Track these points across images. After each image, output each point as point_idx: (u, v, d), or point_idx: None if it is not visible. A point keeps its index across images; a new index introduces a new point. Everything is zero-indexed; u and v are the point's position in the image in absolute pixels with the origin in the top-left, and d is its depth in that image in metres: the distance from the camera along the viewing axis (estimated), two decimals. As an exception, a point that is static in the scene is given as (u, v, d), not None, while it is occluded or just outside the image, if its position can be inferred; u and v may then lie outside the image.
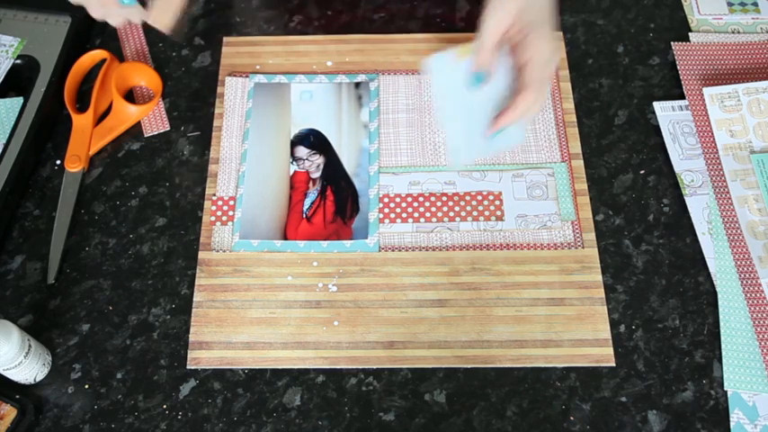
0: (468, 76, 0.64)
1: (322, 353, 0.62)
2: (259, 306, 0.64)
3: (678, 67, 0.75)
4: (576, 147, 0.72)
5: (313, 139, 0.72)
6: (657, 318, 0.64)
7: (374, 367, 0.62)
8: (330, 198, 0.69)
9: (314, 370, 0.62)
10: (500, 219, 0.68)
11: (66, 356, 0.63)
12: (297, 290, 0.65)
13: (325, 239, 0.67)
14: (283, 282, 0.65)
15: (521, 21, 0.62)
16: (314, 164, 0.71)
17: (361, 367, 0.62)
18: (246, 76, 0.76)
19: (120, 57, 0.78)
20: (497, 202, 0.69)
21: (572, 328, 0.63)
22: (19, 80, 0.74)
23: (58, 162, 0.72)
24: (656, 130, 0.73)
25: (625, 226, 0.68)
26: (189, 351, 0.62)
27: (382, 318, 0.64)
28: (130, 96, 0.76)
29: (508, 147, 0.69)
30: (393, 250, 0.67)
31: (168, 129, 0.74)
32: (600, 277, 0.65)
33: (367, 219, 0.68)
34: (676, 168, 0.70)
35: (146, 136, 0.74)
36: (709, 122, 0.71)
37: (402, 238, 0.67)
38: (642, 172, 0.71)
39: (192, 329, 0.63)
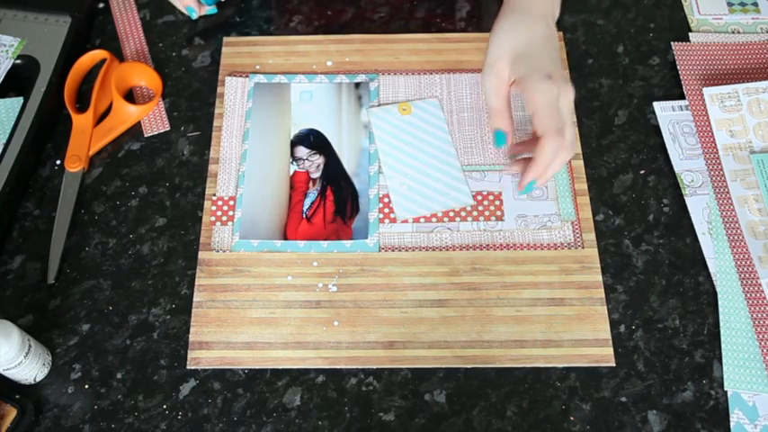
0: (410, 130, 0.72)
1: (322, 353, 0.62)
2: (259, 306, 0.64)
3: (678, 67, 0.75)
4: (576, 147, 0.72)
5: (313, 139, 0.72)
6: (657, 318, 0.64)
7: (374, 367, 0.62)
8: (330, 198, 0.69)
9: (314, 370, 0.62)
10: (500, 219, 0.68)
11: (67, 356, 0.63)
12: (297, 290, 0.65)
13: (325, 239, 0.67)
14: (283, 282, 0.65)
15: (516, 75, 0.63)
16: (314, 164, 0.71)
17: (361, 367, 0.62)
18: (246, 76, 0.76)
19: (120, 57, 0.78)
20: (497, 202, 0.69)
21: (572, 328, 0.63)
22: (19, 80, 0.74)
23: (58, 162, 0.72)
24: (656, 130, 0.73)
25: (625, 226, 0.68)
26: (189, 351, 0.62)
27: (382, 318, 0.64)
28: (130, 96, 0.76)
29: (454, 206, 0.68)
30: (393, 250, 0.67)
31: (168, 129, 0.74)
32: (600, 277, 0.65)
33: (367, 219, 0.68)
34: (676, 168, 0.70)
35: (146, 136, 0.74)
36: (709, 122, 0.71)
37: (402, 238, 0.67)
38: (642, 172, 0.71)
39: (192, 329, 0.63)
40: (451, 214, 0.68)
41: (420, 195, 0.69)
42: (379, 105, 0.74)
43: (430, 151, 0.71)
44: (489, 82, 0.64)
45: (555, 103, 0.61)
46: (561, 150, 0.61)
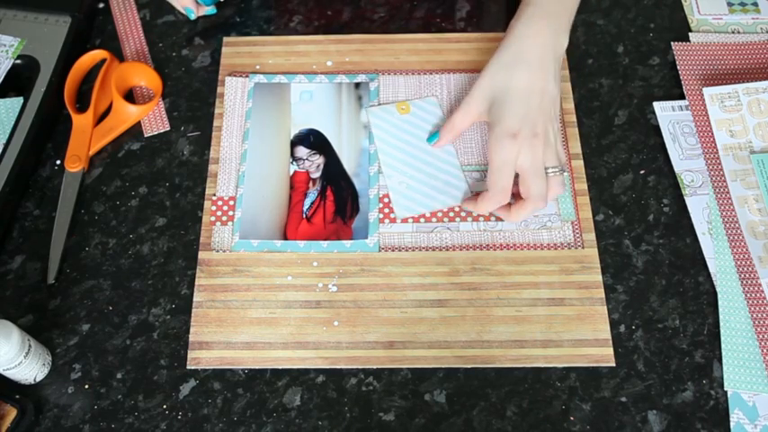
0: (409, 129, 0.72)
1: (322, 353, 0.62)
2: (259, 306, 0.64)
3: (678, 67, 0.75)
4: (576, 147, 0.72)
5: (313, 140, 0.72)
6: (657, 318, 0.64)
7: (374, 367, 0.62)
8: (330, 198, 0.69)
9: (314, 370, 0.62)
10: (500, 219, 0.68)
11: (67, 356, 0.63)
12: (297, 290, 0.65)
13: (325, 239, 0.67)
14: (283, 282, 0.65)
15: (488, 120, 0.67)
16: (314, 164, 0.71)
17: (361, 367, 0.62)
18: (246, 76, 0.76)
19: (120, 57, 0.78)
20: (497, 202, 0.69)
21: (572, 328, 0.63)
22: (19, 80, 0.74)
23: (58, 162, 0.72)
24: (656, 130, 0.73)
25: (625, 226, 0.68)
26: (189, 351, 0.62)
27: (382, 318, 0.64)
28: (130, 96, 0.76)
29: (453, 204, 0.69)
30: (393, 250, 0.67)
31: (168, 129, 0.74)
32: (600, 277, 0.65)
33: (367, 219, 0.68)
34: (676, 168, 0.70)
35: (146, 136, 0.74)
36: (709, 122, 0.71)
37: (402, 238, 0.67)
38: (642, 172, 0.71)
39: (192, 329, 0.63)
40: (451, 214, 0.68)
41: (419, 194, 0.69)
42: (378, 105, 0.74)
43: (429, 150, 0.71)
44: (467, 104, 0.68)
45: (510, 162, 0.63)
46: (492, 205, 0.65)
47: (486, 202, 0.65)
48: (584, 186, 0.70)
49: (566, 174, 0.67)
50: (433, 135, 0.71)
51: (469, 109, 0.68)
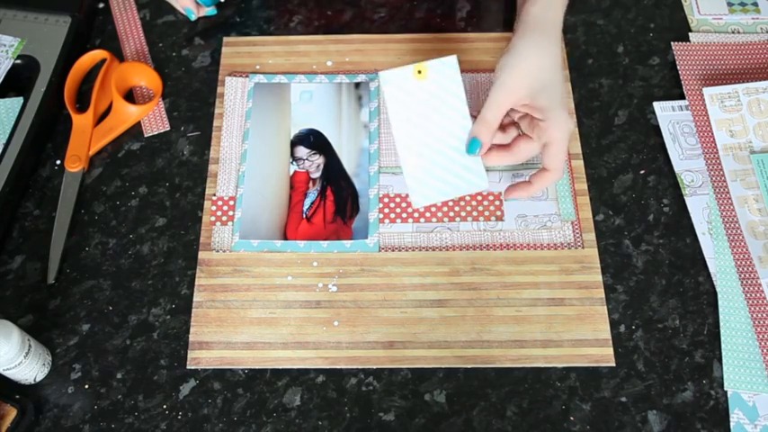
0: (426, 99, 0.65)
1: (322, 353, 0.62)
2: (259, 306, 0.64)
3: (678, 67, 0.75)
4: (576, 147, 0.72)
5: (313, 140, 0.72)
6: (657, 318, 0.64)
7: (374, 367, 0.62)
8: (330, 198, 0.69)
9: (314, 370, 0.62)
10: (500, 219, 0.68)
11: (67, 356, 0.63)
12: (297, 290, 0.65)
13: (325, 239, 0.67)
14: (283, 282, 0.65)
15: (533, 103, 0.62)
16: (314, 164, 0.71)
17: (361, 367, 0.62)
18: (246, 76, 0.76)
19: (120, 57, 0.78)
20: (497, 203, 0.69)
21: (572, 328, 0.63)
22: (19, 80, 0.74)
23: (58, 162, 0.72)
24: (656, 130, 0.73)
25: (625, 226, 0.68)
26: (189, 351, 0.62)
27: (382, 318, 0.64)
28: (130, 96, 0.76)
29: (469, 191, 0.66)
30: (393, 250, 0.67)
31: (168, 129, 0.74)
32: (600, 277, 0.65)
33: (367, 219, 0.68)
34: (676, 168, 0.70)
35: (146, 136, 0.74)
36: (709, 122, 0.71)
37: (402, 238, 0.67)
38: (642, 172, 0.71)
39: (192, 329, 0.63)
40: (451, 214, 0.68)
41: (437, 180, 0.65)
42: (392, 69, 0.66)
43: (447, 126, 0.65)
44: (497, 95, 0.62)
45: (569, 139, 0.63)
46: (557, 180, 0.65)
47: (546, 182, 0.64)
48: (584, 186, 0.70)
49: None
50: (472, 142, 0.64)
51: (509, 94, 0.62)
